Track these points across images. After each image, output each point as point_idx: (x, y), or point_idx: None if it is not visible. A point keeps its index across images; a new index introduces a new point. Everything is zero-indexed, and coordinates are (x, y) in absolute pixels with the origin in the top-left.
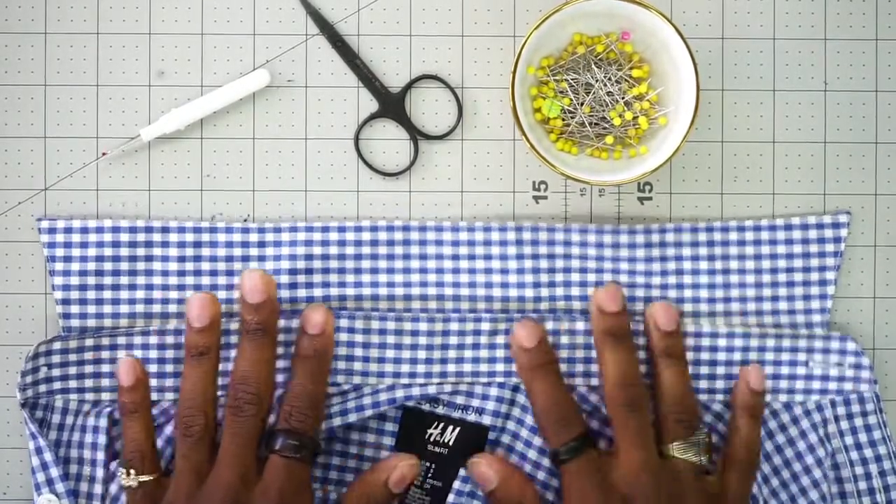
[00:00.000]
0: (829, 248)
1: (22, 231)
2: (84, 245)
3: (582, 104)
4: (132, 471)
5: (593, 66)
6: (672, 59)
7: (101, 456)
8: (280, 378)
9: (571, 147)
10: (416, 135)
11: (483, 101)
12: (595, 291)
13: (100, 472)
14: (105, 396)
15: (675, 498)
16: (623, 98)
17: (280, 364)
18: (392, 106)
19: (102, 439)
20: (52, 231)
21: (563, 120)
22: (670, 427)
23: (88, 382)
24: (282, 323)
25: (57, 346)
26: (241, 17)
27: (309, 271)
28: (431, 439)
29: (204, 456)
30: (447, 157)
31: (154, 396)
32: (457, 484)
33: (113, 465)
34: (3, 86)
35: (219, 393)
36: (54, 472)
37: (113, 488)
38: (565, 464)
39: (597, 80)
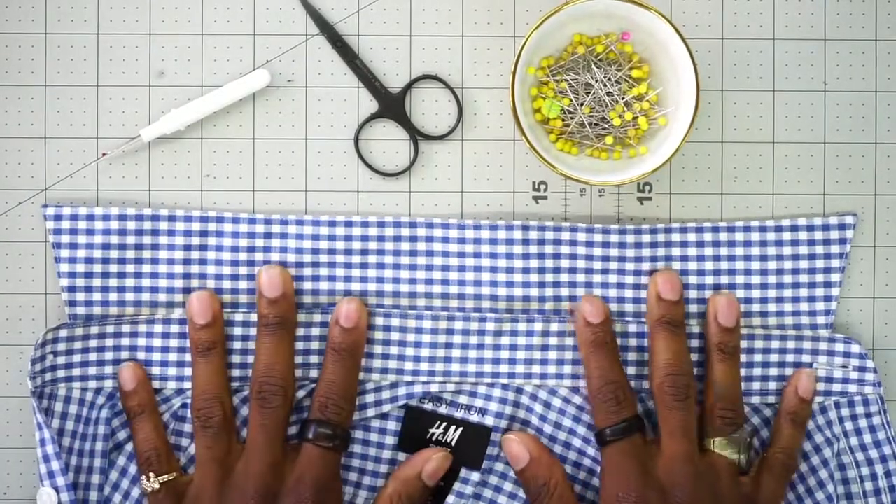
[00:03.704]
0: (835, 249)
1: (22, 231)
2: (90, 232)
3: (582, 104)
4: (152, 474)
5: (593, 66)
6: (672, 59)
7: (99, 447)
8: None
9: (571, 147)
10: (416, 135)
11: (483, 101)
12: (654, 276)
13: (98, 462)
14: (108, 385)
15: (711, 494)
16: (623, 98)
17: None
18: (392, 106)
19: (102, 430)
20: (58, 218)
21: (563, 120)
22: (715, 422)
23: (92, 370)
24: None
25: (63, 333)
26: (241, 17)
27: (315, 265)
28: (433, 438)
29: (225, 446)
30: (447, 157)
31: (156, 385)
32: (457, 485)
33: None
34: (3, 86)
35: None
36: (55, 464)
37: (114, 476)
38: (610, 445)
39: (596, 81)
